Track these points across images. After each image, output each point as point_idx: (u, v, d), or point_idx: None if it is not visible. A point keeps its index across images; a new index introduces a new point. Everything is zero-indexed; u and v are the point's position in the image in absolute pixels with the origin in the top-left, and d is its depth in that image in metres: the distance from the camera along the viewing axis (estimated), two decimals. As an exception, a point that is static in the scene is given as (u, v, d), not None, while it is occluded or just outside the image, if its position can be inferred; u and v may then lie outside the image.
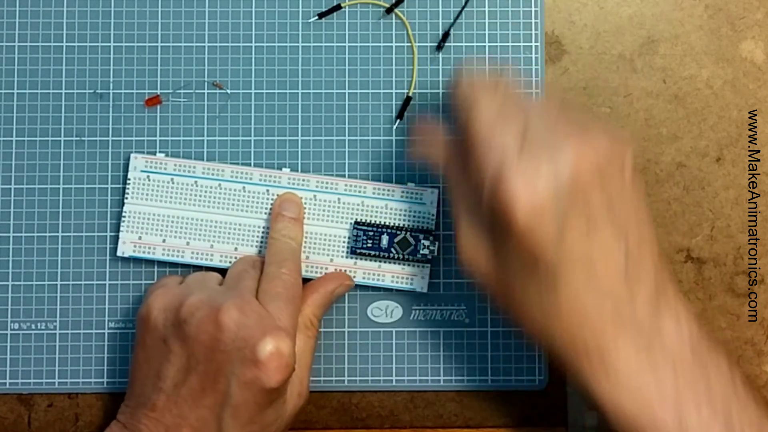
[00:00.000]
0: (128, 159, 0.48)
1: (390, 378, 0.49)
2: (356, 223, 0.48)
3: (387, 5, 0.50)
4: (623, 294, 0.38)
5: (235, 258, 0.48)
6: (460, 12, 0.50)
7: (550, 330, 0.39)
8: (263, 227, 0.48)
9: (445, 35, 0.49)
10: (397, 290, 0.49)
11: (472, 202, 0.40)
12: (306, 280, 0.47)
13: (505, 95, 0.41)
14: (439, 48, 0.49)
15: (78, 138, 0.49)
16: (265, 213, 0.48)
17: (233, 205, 0.48)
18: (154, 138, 0.49)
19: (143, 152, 0.49)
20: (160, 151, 0.49)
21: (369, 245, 0.47)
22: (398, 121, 0.49)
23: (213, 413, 0.41)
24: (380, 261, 0.48)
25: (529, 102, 0.41)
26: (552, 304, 0.38)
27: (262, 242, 0.48)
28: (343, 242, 0.48)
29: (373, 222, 0.48)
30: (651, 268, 0.39)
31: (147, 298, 0.45)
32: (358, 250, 0.47)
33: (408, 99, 0.49)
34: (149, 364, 0.43)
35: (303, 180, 0.48)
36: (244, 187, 0.48)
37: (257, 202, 0.48)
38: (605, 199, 0.38)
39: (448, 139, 0.43)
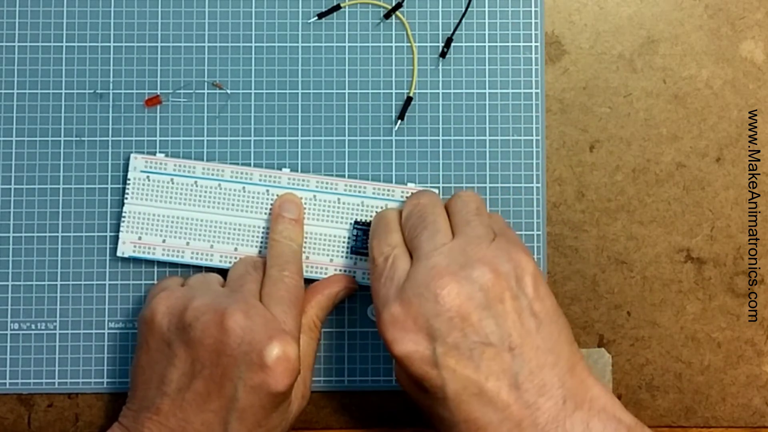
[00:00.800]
0: (128, 159, 0.48)
1: (390, 378, 0.49)
2: (356, 222, 0.48)
3: (387, 5, 0.50)
4: (522, 412, 0.39)
5: (235, 258, 0.48)
6: (462, 18, 0.50)
7: None
8: (263, 227, 0.48)
9: (448, 41, 0.49)
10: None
11: None
12: (307, 281, 0.47)
13: (408, 226, 0.44)
14: (442, 55, 0.49)
15: (78, 138, 0.49)
16: (265, 213, 0.48)
17: (233, 205, 0.48)
18: (154, 138, 0.49)
19: (143, 152, 0.49)
20: (160, 151, 0.49)
21: (363, 246, 0.48)
22: (399, 121, 0.49)
23: (218, 417, 0.41)
24: None
25: (428, 229, 0.43)
26: (453, 426, 0.40)
27: (262, 242, 0.48)
28: (343, 242, 0.48)
29: (369, 221, 0.48)
30: (557, 378, 0.40)
31: (150, 300, 0.45)
32: (359, 250, 0.47)
33: (409, 99, 0.49)
34: (153, 368, 0.43)
35: (303, 180, 0.48)
36: (243, 188, 0.48)
37: (257, 203, 0.48)
38: (494, 324, 0.40)
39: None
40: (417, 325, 0.40)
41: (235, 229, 0.48)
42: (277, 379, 0.41)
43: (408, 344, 0.40)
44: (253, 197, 0.48)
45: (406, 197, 0.48)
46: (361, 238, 0.47)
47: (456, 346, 0.39)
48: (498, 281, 0.40)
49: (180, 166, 0.48)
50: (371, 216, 0.48)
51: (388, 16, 0.49)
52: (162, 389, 0.42)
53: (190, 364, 0.41)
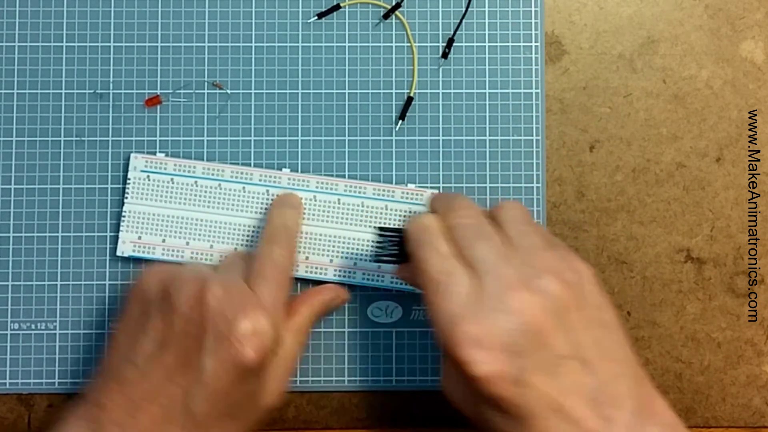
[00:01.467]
0: (128, 159, 0.48)
1: (390, 378, 0.49)
2: (381, 228, 0.45)
3: (386, 5, 0.50)
4: (598, 424, 0.37)
5: None
6: (462, 18, 0.50)
7: None
8: (263, 228, 0.48)
9: (450, 42, 0.49)
10: (397, 290, 0.49)
11: None
12: (307, 281, 0.47)
13: (458, 236, 0.41)
14: (444, 56, 0.49)
15: (78, 138, 0.49)
16: (265, 213, 0.48)
17: (233, 205, 0.48)
18: (154, 138, 0.49)
19: (143, 152, 0.49)
20: (160, 151, 0.49)
21: (395, 251, 0.45)
22: (400, 122, 0.49)
23: (183, 391, 0.40)
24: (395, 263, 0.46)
25: (484, 239, 0.40)
26: None
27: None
28: (344, 243, 0.48)
29: (395, 227, 0.46)
30: (626, 388, 0.38)
31: (144, 272, 0.44)
32: (382, 258, 0.45)
33: (410, 99, 0.49)
34: (127, 337, 0.42)
35: (303, 180, 0.48)
36: (244, 188, 0.48)
37: (257, 203, 0.48)
38: (565, 336, 0.38)
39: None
40: (497, 343, 0.37)
41: (234, 229, 0.48)
42: (246, 353, 0.40)
43: (491, 364, 0.37)
44: (253, 197, 0.48)
45: (407, 198, 0.48)
46: (388, 246, 0.45)
47: (537, 362, 0.37)
48: (565, 291, 0.38)
49: (180, 165, 0.48)
50: (371, 217, 0.48)
51: (387, 16, 0.49)
52: (131, 358, 0.41)
53: (163, 334, 0.41)
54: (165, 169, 0.48)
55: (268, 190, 0.48)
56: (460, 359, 0.37)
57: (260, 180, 0.48)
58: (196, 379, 0.40)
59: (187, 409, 0.40)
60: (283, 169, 0.49)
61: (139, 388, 0.40)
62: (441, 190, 0.49)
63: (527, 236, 0.40)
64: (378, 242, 0.46)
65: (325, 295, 0.47)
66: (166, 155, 0.49)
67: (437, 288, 0.39)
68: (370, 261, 0.48)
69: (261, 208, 0.48)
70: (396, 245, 0.44)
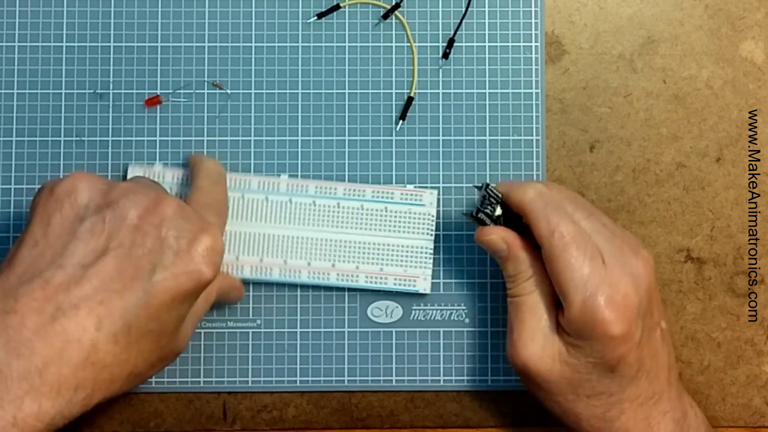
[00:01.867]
0: (128, 159, 0.48)
1: (390, 378, 0.49)
2: (486, 186, 0.45)
3: (386, 5, 0.50)
4: (664, 389, 0.44)
5: (236, 266, 0.48)
6: (462, 18, 0.50)
7: (607, 421, 0.43)
8: (262, 234, 0.48)
9: (450, 42, 0.49)
10: (397, 290, 0.49)
11: (543, 307, 0.44)
12: (308, 287, 0.47)
13: (576, 213, 0.44)
14: (445, 56, 0.49)
15: (78, 138, 0.49)
16: (264, 221, 0.48)
17: (232, 213, 0.48)
18: (154, 138, 0.49)
19: (143, 152, 0.49)
20: (160, 151, 0.49)
21: (489, 211, 0.45)
22: (401, 122, 0.49)
23: (122, 299, 0.38)
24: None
25: (586, 215, 0.44)
26: (616, 402, 0.43)
27: (263, 250, 0.48)
28: (345, 247, 0.48)
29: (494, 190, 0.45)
30: (675, 360, 0.45)
31: (64, 177, 0.41)
32: (482, 215, 0.45)
33: (410, 99, 0.49)
34: (48, 241, 0.39)
35: (302, 186, 0.48)
36: (242, 195, 0.48)
37: (256, 211, 0.48)
38: (656, 303, 0.44)
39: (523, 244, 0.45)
40: (632, 302, 0.41)
41: (232, 238, 0.48)
42: (204, 270, 0.39)
43: (628, 323, 0.41)
44: (252, 205, 0.48)
45: (406, 198, 0.48)
46: (489, 205, 0.45)
47: (647, 325, 0.42)
48: (648, 266, 0.43)
49: (176, 176, 0.48)
50: (371, 219, 0.48)
51: (386, 16, 0.49)
52: (57, 262, 0.38)
53: (104, 241, 0.39)
54: (163, 179, 0.48)
55: (267, 198, 0.48)
56: (603, 319, 0.41)
57: (258, 187, 0.48)
58: (139, 288, 0.38)
59: (123, 320, 0.38)
60: (282, 176, 0.48)
61: (65, 293, 0.37)
62: (441, 190, 0.49)
63: (601, 215, 0.45)
64: (482, 199, 0.45)
65: (236, 283, 0.47)
66: (166, 160, 0.49)
67: (562, 247, 0.42)
68: (465, 215, 0.47)
69: (260, 216, 0.48)
70: (494, 206, 0.45)
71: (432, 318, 0.49)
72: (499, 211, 0.45)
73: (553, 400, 0.44)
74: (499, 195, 0.45)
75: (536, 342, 0.43)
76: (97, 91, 0.49)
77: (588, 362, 0.42)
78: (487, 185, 0.45)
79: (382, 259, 0.48)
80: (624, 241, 0.43)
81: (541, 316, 0.43)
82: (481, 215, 0.45)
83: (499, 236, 0.44)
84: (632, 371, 0.42)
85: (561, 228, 0.42)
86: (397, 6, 0.49)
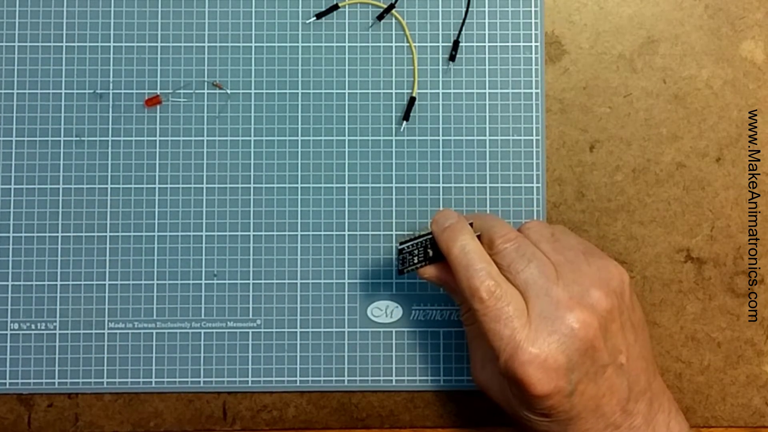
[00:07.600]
0: (128, 159, 0.49)
1: (390, 378, 0.49)
2: (402, 243, 0.44)
3: (384, 5, 0.50)
4: (624, 418, 0.42)
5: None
6: (464, 20, 0.50)
7: None
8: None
9: (455, 44, 0.49)
10: (397, 290, 0.49)
11: (488, 351, 0.42)
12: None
13: (502, 258, 0.42)
14: (452, 58, 0.49)
15: (78, 138, 0.49)
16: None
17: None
18: (154, 138, 0.49)
19: (143, 152, 0.49)
20: (160, 151, 0.49)
21: (420, 259, 0.44)
22: (404, 122, 0.49)
23: None
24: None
25: (529, 261, 0.42)
26: None
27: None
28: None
29: (414, 236, 0.44)
30: (646, 383, 0.43)
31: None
32: (410, 268, 0.44)
33: (412, 99, 0.49)
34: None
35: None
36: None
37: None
38: (606, 345, 0.41)
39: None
40: (555, 362, 0.40)
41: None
42: None
43: (551, 383, 0.40)
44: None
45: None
46: (416, 253, 0.44)
47: (586, 373, 0.41)
48: (611, 301, 0.41)
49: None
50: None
51: (381, 17, 0.49)
52: None
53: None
54: None
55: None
56: (523, 380, 0.40)
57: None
58: None
59: None
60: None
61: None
62: (441, 190, 0.49)
63: (563, 251, 0.42)
64: (401, 255, 0.44)
65: None
66: (166, 156, 0.49)
67: (485, 310, 0.41)
68: (396, 272, 0.47)
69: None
70: (423, 250, 0.44)
71: (432, 318, 0.49)
72: (431, 253, 0.44)
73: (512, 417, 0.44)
74: (430, 233, 0.44)
75: (486, 371, 0.44)
76: (97, 91, 0.49)
77: (523, 405, 0.42)
78: (402, 243, 0.43)
79: None
80: (581, 278, 0.41)
81: (488, 357, 0.44)
82: (411, 267, 0.44)
83: (431, 275, 0.44)
84: (568, 416, 0.41)
85: (480, 292, 0.41)
86: (392, 6, 0.49)
